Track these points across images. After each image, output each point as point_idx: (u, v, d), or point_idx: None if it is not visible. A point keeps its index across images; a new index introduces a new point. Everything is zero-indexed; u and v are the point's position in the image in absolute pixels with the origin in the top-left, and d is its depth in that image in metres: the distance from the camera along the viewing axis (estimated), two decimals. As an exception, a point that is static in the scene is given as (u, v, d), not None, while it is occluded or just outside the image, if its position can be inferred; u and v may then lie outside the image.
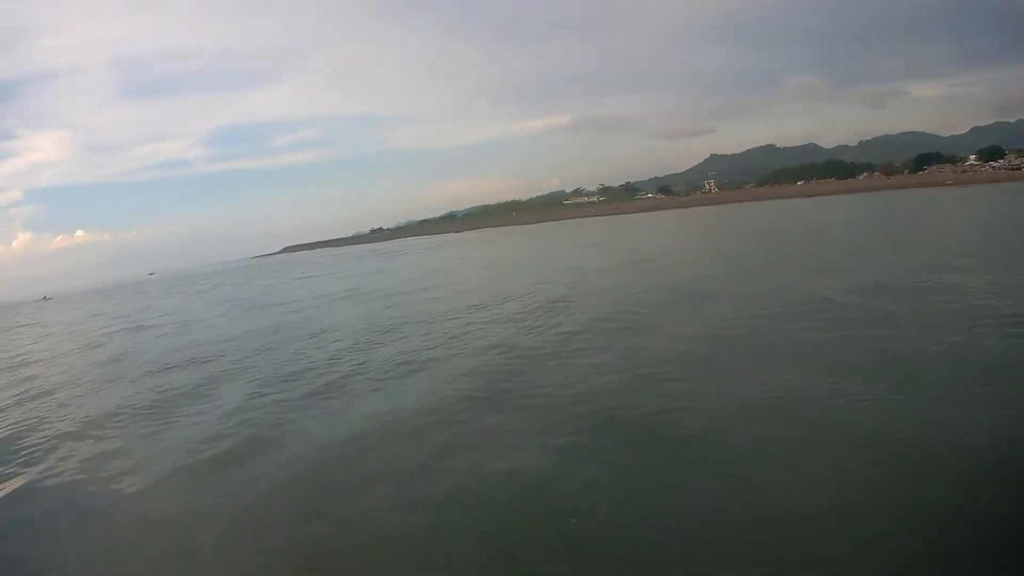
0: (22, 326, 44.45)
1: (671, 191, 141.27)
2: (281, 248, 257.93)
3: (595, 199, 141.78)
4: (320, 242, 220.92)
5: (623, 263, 27.51)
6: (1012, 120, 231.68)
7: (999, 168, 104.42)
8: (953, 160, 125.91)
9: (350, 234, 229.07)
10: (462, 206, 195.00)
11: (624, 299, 16.46)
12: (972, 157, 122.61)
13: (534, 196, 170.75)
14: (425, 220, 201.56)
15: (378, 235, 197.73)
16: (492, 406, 8.84)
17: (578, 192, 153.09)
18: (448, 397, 9.47)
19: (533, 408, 8.50)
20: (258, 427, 9.38)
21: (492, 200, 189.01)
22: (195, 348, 17.83)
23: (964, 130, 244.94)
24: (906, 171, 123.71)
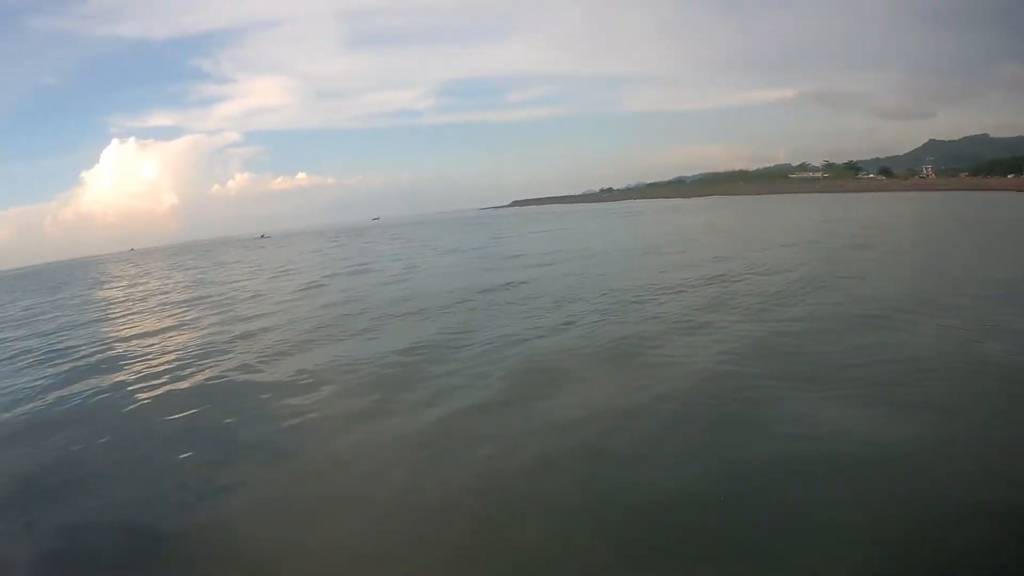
0: (235, 262, 44.39)
1: (891, 173, 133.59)
2: (511, 202, 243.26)
3: (820, 175, 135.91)
4: (550, 198, 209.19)
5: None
6: None
7: None
8: None
9: (580, 192, 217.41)
10: (690, 172, 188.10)
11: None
12: None
13: (760, 167, 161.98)
14: (654, 183, 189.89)
15: (607, 195, 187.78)
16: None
17: (803, 167, 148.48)
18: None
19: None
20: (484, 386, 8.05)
21: (719, 168, 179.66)
22: (421, 297, 15.74)
23: None
24: None
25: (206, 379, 9.86)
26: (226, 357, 11.22)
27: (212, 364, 10.75)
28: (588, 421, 6.52)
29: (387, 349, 10.34)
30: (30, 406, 9.42)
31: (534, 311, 12.53)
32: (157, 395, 9.25)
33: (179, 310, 19.18)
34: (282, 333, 12.87)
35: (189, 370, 10.52)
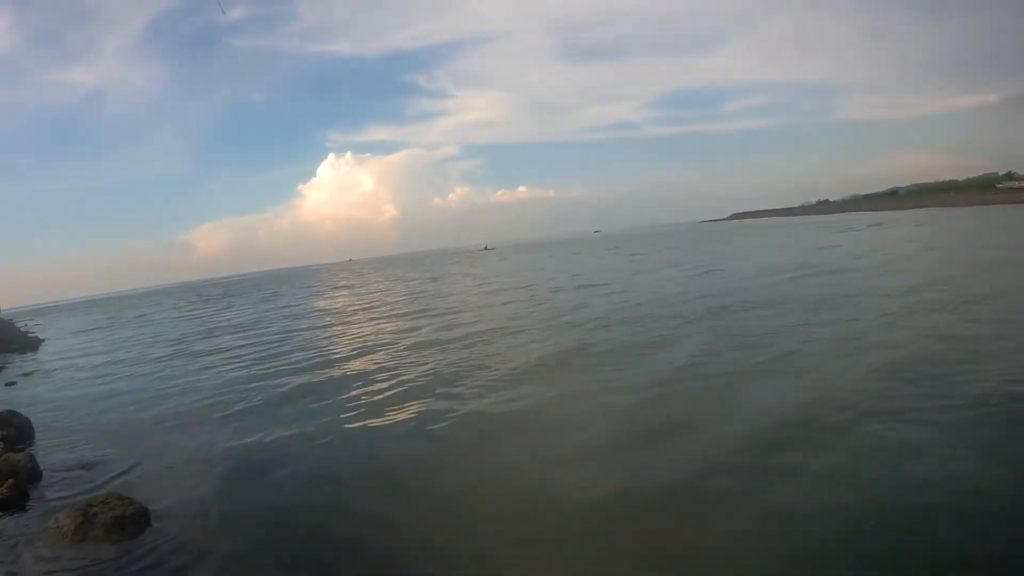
0: (464, 275, 44.63)
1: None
2: (729, 214, 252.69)
3: None
4: (767, 210, 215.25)
5: None
6: None
7: None
8: None
9: (796, 204, 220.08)
10: (901, 182, 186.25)
11: None
12: None
13: (969, 176, 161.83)
14: (869, 194, 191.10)
15: (824, 207, 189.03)
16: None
17: (1010, 176, 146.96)
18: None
19: None
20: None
21: (927, 177, 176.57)
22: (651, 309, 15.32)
23: None
24: None
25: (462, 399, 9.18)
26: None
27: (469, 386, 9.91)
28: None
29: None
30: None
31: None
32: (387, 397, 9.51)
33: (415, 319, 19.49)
34: (525, 354, 11.78)
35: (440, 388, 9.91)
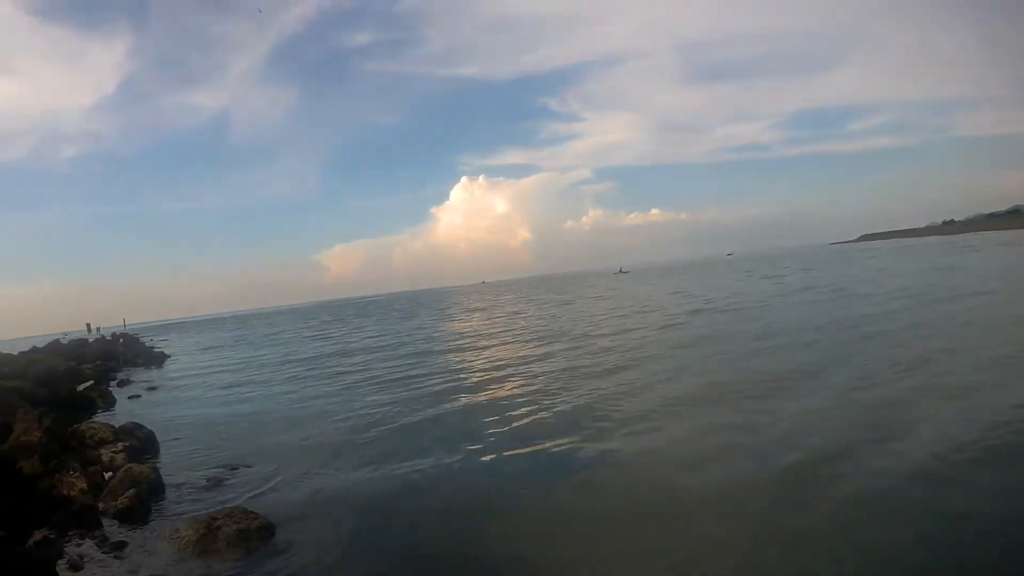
0: (597, 297, 42.90)
1: None
2: (858, 236, 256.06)
3: None
4: (894, 231, 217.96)
5: None
6: None
7: None
8: None
9: (923, 224, 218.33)
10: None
11: None
12: None
13: None
14: (992, 214, 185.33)
15: (949, 227, 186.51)
16: None
17: None
18: None
19: None
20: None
21: None
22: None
23: None
24: None
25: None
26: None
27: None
28: None
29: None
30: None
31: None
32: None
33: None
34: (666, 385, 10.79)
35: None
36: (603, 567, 4.79)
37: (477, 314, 40.11)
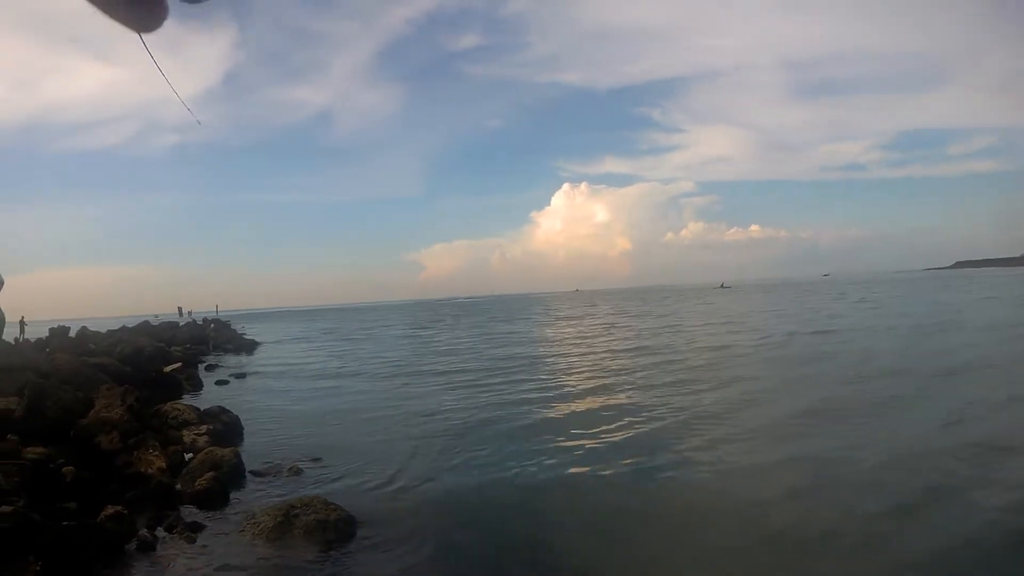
0: (691, 312, 41.89)
1: None
2: (953, 262, 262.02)
3: None
4: (989, 260, 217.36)
5: None
6: None
7: None
8: None
9: (1019, 254, 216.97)
10: None
11: None
12: None
13: None
14: None
15: None
16: None
17: None
18: None
19: None
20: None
21: None
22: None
23: None
24: None
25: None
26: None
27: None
28: None
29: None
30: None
31: None
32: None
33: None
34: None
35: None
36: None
37: (573, 323, 38.45)
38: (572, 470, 7.02)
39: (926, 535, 4.93)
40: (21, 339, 21.60)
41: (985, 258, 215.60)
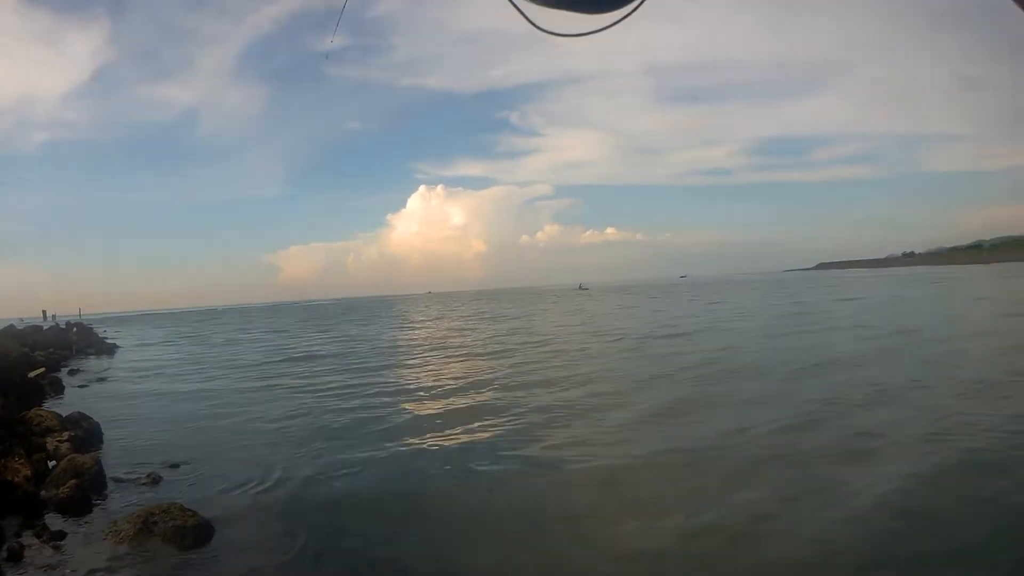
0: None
1: None
2: (815, 264, 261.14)
3: None
4: (852, 261, 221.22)
5: None
6: None
7: None
8: None
9: (883, 256, 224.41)
10: (991, 235, 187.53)
11: None
12: None
13: None
14: (954, 248, 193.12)
15: (909, 260, 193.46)
16: None
17: None
18: None
19: None
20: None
21: (1017, 230, 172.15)
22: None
23: None
24: None
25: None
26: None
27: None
28: None
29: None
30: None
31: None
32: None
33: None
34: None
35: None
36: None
37: (428, 325, 40.80)
38: (429, 469, 7.80)
39: (792, 522, 5.65)
40: None
41: (849, 259, 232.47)
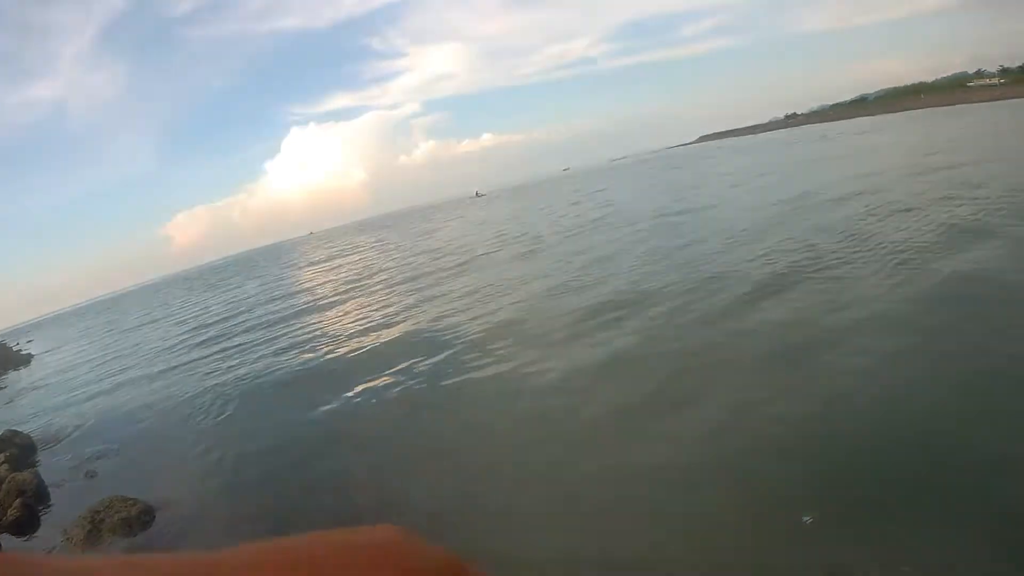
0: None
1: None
2: (697, 137, 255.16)
3: (997, 81, 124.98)
4: (736, 130, 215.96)
5: None
6: None
7: None
8: None
9: (765, 120, 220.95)
10: (872, 88, 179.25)
11: None
12: None
13: (940, 78, 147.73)
14: (837, 104, 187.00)
15: (792, 120, 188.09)
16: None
17: (980, 74, 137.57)
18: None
19: None
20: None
21: (899, 82, 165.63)
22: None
23: None
24: None
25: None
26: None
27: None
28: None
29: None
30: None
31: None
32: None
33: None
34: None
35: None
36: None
37: (313, 268, 37.25)
38: (345, 408, 7.70)
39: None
40: None
41: (731, 128, 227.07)
